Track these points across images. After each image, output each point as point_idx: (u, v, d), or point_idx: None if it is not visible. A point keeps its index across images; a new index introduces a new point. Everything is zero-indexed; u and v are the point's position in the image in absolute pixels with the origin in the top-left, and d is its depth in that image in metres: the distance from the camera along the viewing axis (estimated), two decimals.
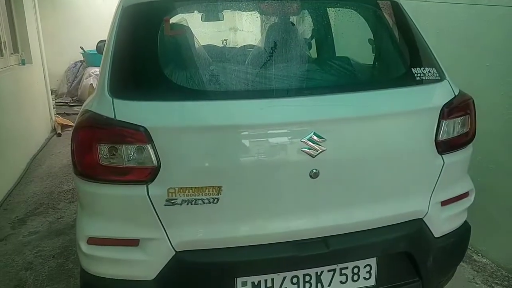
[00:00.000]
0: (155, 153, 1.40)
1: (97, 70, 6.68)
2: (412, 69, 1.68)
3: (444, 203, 1.70)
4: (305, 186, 1.49)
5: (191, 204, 1.43)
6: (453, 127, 1.65)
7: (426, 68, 1.69)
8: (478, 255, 2.68)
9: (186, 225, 1.47)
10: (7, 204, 3.62)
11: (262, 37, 2.19)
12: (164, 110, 1.44)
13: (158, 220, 1.44)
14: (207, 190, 1.42)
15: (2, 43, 4.39)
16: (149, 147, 1.39)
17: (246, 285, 1.53)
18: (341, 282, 1.60)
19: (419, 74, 1.66)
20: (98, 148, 1.40)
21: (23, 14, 5.05)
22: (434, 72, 1.70)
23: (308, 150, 1.44)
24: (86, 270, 1.55)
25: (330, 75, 1.92)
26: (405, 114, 1.60)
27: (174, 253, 1.47)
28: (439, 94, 1.67)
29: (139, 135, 1.39)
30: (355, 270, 1.60)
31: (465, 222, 1.84)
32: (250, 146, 1.46)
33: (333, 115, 1.51)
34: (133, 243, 1.48)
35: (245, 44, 3.13)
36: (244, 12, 2.35)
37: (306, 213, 1.54)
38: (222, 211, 1.46)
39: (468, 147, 1.76)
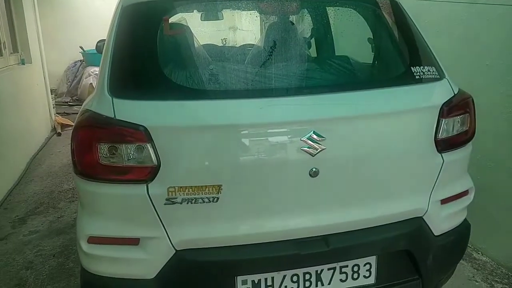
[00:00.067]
0: (155, 152, 1.40)
1: (96, 69, 6.69)
2: (412, 68, 1.68)
3: (443, 201, 1.70)
4: (305, 185, 1.49)
5: (191, 203, 1.43)
6: (452, 126, 1.65)
7: (425, 67, 1.69)
8: (478, 253, 2.69)
9: (186, 224, 1.47)
10: (7, 203, 3.63)
11: (261, 36, 2.20)
12: (163, 109, 1.44)
13: (158, 219, 1.44)
14: (207, 189, 1.43)
15: (2, 43, 4.39)
16: (148, 146, 1.40)
17: (246, 284, 1.53)
18: (341, 280, 1.60)
19: (418, 73, 1.67)
20: (98, 147, 1.40)
21: (23, 14, 5.05)
22: (433, 71, 1.70)
23: (307, 149, 1.44)
24: (87, 269, 1.55)
25: (330, 74, 1.92)
26: (405, 112, 1.60)
27: (174, 252, 1.47)
28: (439, 93, 1.67)
29: (138, 134, 1.39)
30: (355, 269, 1.60)
31: (465, 220, 1.84)
32: (250, 145, 1.46)
33: (332, 114, 1.51)
34: (133, 242, 1.48)
35: (244, 43, 3.13)
36: (243, 12, 2.36)
37: (306, 211, 1.54)
38: (222, 210, 1.46)
39: (468, 146, 1.76)
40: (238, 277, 1.52)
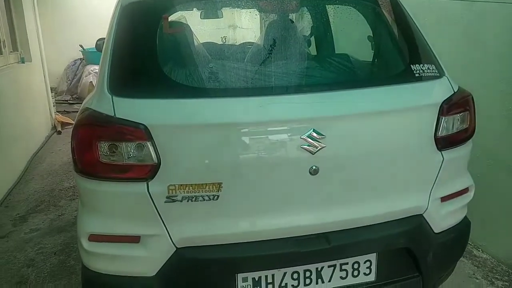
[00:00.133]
0: (155, 151, 1.40)
1: (96, 68, 6.67)
2: (411, 65, 1.68)
3: (444, 199, 1.71)
4: (305, 183, 1.50)
5: (191, 201, 1.44)
6: (452, 124, 1.65)
7: (425, 65, 1.69)
8: (478, 251, 2.69)
9: (187, 221, 1.47)
10: (8, 201, 3.63)
11: (261, 34, 2.19)
12: (163, 107, 1.44)
13: (158, 216, 1.45)
14: (207, 187, 1.43)
15: (2, 42, 4.39)
16: (149, 145, 1.40)
17: (247, 281, 1.53)
18: (341, 277, 1.61)
19: (418, 71, 1.67)
20: (98, 145, 1.41)
21: (22, 13, 5.04)
22: (433, 69, 1.70)
23: (307, 147, 1.44)
24: (88, 266, 1.56)
25: (330, 72, 1.92)
26: (405, 110, 1.60)
27: (175, 249, 1.48)
28: (438, 91, 1.67)
29: (139, 132, 1.39)
30: (355, 266, 1.61)
31: (465, 217, 1.84)
32: (250, 143, 1.47)
33: (332, 112, 1.51)
34: (134, 239, 1.48)
35: (244, 41, 3.13)
36: (243, 10, 2.35)
37: (306, 209, 1.55)
38: (222, 208, 1.47)
39: (468, 143, 1.76)
40: (238, 274, 1.52)
